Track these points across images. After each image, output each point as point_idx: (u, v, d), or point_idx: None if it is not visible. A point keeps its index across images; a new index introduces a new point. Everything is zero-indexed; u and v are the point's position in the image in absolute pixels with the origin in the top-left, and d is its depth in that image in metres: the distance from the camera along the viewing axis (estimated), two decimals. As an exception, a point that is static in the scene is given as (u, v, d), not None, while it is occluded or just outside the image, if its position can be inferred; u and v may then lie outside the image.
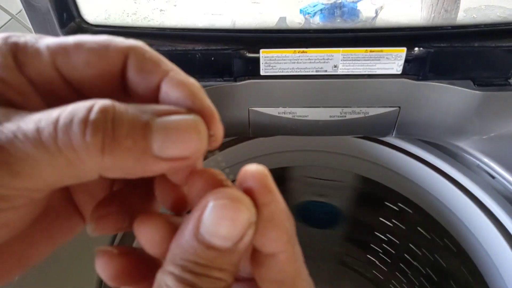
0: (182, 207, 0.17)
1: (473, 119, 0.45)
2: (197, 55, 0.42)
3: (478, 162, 0.47)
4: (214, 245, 0.13)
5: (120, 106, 0.13)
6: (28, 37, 0.14)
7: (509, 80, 0.43)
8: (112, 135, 0.12)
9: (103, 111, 0.12)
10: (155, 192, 0.17)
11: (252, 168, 0.14)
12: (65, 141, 0.12)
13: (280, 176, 0.69)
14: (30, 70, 0.14)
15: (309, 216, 0.76)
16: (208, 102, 0.14)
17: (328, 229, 0.77)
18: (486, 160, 0.45)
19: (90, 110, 0.12)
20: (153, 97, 0.15)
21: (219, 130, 0.15)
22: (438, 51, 0.41)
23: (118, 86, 0.15)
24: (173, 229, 0.15)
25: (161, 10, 0.42)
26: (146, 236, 0.15)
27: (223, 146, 0.54)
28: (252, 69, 0.43)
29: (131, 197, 0.17)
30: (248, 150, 0.57)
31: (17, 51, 0.14)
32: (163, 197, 0.16)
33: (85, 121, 0.12)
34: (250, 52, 0.42)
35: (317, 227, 0.80)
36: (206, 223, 0.13)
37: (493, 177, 0.46)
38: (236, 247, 0.13)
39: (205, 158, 0.17)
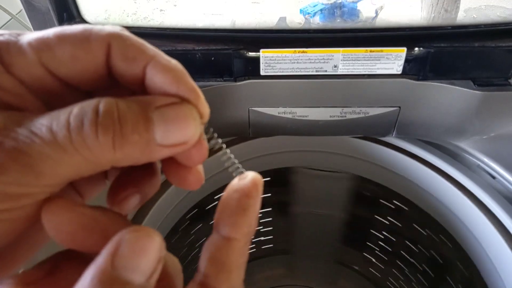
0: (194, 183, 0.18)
1: (473, 119, 0.45)
2: (197, 55, 0.42)
3: (478, 162, 0.46)
4: (129, 280, 0.13)
5: (122, 104, 0.14)
6: (6, 35, 0.15)
7: (509, 80, 0.43)
8: (120, 133, 0.13)
9: (109, 111, 0.13)
10: (165, 174, 0.18)
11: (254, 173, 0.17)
12: (80, 141, 0.13)
13: (280, 176, 0.69)
14: (18, 71, 0.15)
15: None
16: (192, 84, 0.15)
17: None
18: (486, 160, 0.45)
19: (96, 111, 0.13)
20: (140, 81, 0.15)
21: (205, 108, 0.16)
22: (438, 51, 0.41)
23: (106, 74, 0.16)
24: (82, 218, 0.14)
25: (161, 10, 0.42)
26: (52, 222, 0.14)
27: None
28: (252, 69, 0.43)
29: (137, 176, 0.18)
30: (248, 150, 0.57)
31: (0, 53, 0.14)
32: (173, 177, 0.17)
33: (95, 122, 0.13)
34: (250, 52, 0.42)
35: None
36: (122, 257, 0.13)
37: (493, 177, 0.46)
38: (148, 282, 0.13)
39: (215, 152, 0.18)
